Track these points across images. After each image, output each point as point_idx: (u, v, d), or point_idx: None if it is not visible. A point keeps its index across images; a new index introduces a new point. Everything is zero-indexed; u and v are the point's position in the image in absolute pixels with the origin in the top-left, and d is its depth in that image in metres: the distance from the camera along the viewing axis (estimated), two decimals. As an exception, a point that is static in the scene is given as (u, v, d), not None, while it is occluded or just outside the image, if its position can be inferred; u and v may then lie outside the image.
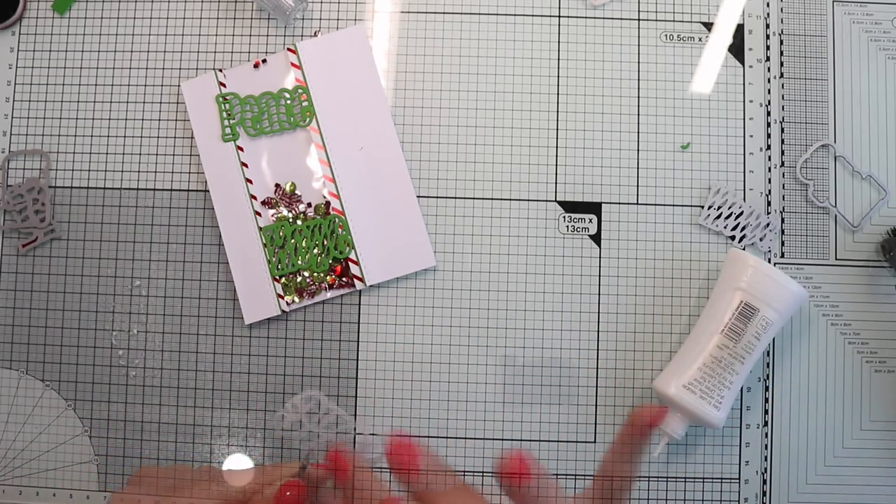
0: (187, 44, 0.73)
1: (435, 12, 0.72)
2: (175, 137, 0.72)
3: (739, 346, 0.63)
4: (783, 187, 0.70)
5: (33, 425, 0.70)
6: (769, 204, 0.70)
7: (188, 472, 0.66)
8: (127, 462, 0.70)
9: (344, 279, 0.70)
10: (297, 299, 0.69)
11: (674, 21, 0.72)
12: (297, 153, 0.71)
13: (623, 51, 0.72)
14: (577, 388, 0.69)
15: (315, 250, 0.70)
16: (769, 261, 0.70)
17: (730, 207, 0.70)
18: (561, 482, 0.68)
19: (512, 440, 0.68)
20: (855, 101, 0.71)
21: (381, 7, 0.72)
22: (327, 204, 0.70)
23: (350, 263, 0.69)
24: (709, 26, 0.72)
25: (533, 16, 0.72)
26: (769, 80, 0.71)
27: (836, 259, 0.70)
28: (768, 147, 0.71)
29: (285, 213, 0.70)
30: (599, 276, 0.70)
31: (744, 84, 0.71)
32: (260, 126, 0.71)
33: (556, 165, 0.71)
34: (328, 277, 0.70)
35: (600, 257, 0.70)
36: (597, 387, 0.69)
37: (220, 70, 0.72)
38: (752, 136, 0.71)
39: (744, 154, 0.71)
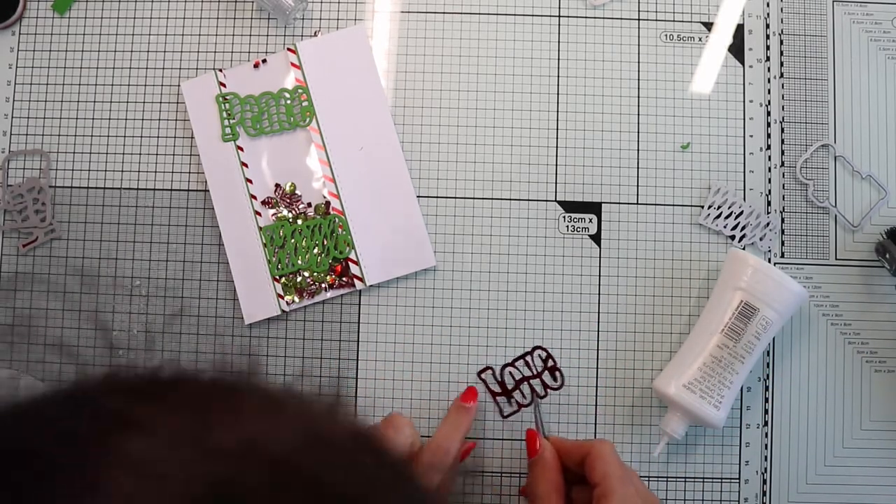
0: (187, 44, 0.73)
1: (435, 12, 0.72)
2: (175, 137, 0.72)
3: (739, 345, 0.63)
4: (783, 187, 0.70)
5: (33, 425, 0.70)
6: (769, 204, 0.70)
7: None
8: (127, 462, 0.69)
9: (344, 279, 0.70)
10: (297, 299, 0.69)
11: (674, 21, 0.72)
12: (297, 153, 0.71)
13: (623, 51, 0.72)
14: (577, 388, 0.69)
15: (315, 250, 0.70)
16: (769, 261, 0.69)
17: (730, 207, 0.70)
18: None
19: (512, 440, 0.68)
20: (855, 101, 0.71)
21: (381, 7, 0.72)
22: (327, 204, 0.70)
23: (350, 263, 0.69)
24: (709, 26, 0.72)
25: (533, 16, 0.72)
26: (769, 80, 0.71)
27: (836, 259, 0.70)
28: (768, 147, 0.71)
29: (285, 213, 0.70)
30: (599, 276, 0.70)
31: (744, 84, 0.71)
32: (260, 126, 0.71)
33: (556, 165, 0.71)
34: (328, 277, 0.70)
35: (600, 257, 0.70)
36: (597, 387, 0.69)
37: (220, 70, 0.72)
38: (752, 136, 0.71)
39: (744, 154, 0.71)
